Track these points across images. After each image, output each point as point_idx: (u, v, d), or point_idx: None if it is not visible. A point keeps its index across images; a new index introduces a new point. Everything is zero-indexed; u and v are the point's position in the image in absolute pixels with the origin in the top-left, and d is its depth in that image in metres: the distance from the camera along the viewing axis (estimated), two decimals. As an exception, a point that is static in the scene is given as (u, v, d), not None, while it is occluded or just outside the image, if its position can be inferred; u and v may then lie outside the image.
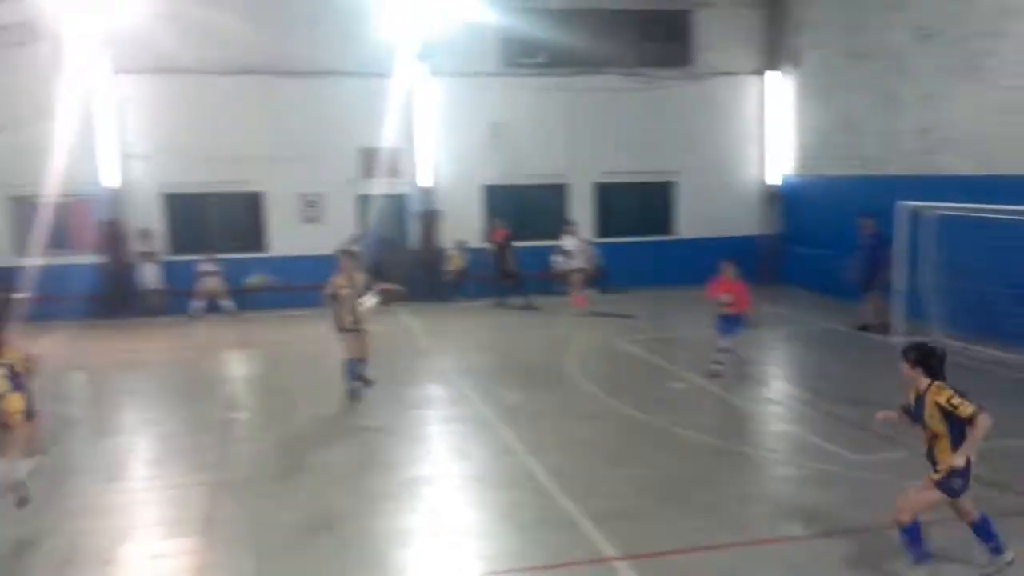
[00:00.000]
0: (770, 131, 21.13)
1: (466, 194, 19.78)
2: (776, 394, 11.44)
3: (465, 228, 19.57)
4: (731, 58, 20.89)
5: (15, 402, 7.23)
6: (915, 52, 16.10)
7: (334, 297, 10.81)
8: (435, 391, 11.75)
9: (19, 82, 16.89)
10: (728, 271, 11.58)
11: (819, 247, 19.17)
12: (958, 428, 5.88)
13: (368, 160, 19.16)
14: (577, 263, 17.88)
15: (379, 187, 19.06)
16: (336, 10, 18.15)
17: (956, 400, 5.86)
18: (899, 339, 13.90)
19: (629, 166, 20.50)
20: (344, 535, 7.06)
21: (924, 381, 6.06)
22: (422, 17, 18.46)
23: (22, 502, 7.23)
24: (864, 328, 15.03)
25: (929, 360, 6.07)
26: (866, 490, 7.85)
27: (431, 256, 19.45)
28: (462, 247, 19.32)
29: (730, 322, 11.53)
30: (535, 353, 12.95)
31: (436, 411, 10.81)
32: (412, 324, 16.48)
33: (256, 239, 19.02)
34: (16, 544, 6.99)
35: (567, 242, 18.46)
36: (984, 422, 5.78)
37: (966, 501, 6.07)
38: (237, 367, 13.83)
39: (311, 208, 19.08)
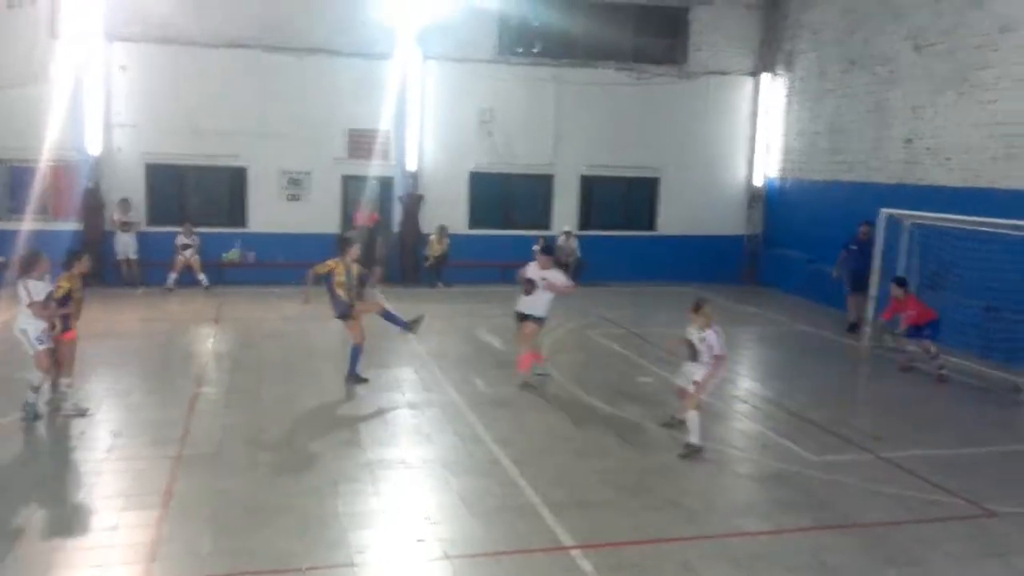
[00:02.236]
0: (760, 133, 21.19)
1: (452, 180, 19.75)
2: (743, 393, 11.52)
3: (449, 214, 19.54)
4: (726, 57, 20.92)
5: None
6: (908, 62, 16.18)
7: (324, 278, 10.76)
8: (407, 375, 11.74)
9: (9, 44, 16.67)
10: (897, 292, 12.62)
11: (800, 250, 19.30)
12: None
13: (355, 141, 19.09)
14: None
15: (365, 168, 19.01)
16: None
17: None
18: (865, 342, 14.09)
19: (617, 160, 20.52)
20: (305, 515, 7.05)
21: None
22: (419, 2, 18.41)
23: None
24: (852, 327, 15.27)
25: None
26: (825, 490, 7.93)
27: (413, 240, 19.41)
28: (444, 232, 19.30)
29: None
30: (509, 342, 12.93)
31: (406, 395, 10.81)
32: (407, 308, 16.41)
33: (237, 214, 18.93)
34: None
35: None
36: None
37: None
38: (208, 341, 13.78)
39: (294, 186, 19.00)
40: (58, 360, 9.37)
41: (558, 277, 11.17)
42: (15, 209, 17.66)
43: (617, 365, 12.77)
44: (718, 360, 8.73)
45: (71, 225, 17.59)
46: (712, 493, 7.90)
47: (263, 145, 18.50)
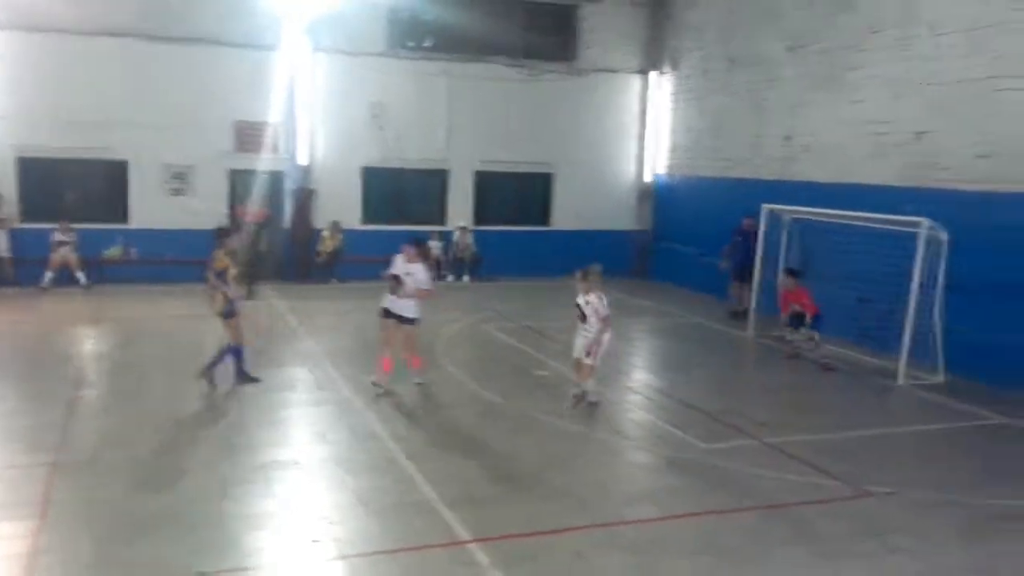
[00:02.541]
0: (649, 130, 21.69)
1: (345, 175, 19.47)
2: (636, 384, 11.80)
3: (342, 209, 19.26)
4: (615, 55, 21.32)
5: None
6: (784, 62, 16.86)
7: (219, 276, 10.29)
8: (300, 374, 11.52)
9: None
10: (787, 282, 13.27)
11: (687, 244, 19.87)
12: None
13: (243, 134, 18.57)
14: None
15: (254, 162, 18.53)
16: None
17: None
18: (751, 332, 14.66)
19: (509, 156, 20.66)
20: (194, 520, 6.84)
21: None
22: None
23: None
24: (736, 314, 15.88)
25: None
26: (714, 476, 8.21)
27: (305, 236, 19.05)
28: (337, 228, 19.01)
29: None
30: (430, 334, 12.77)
31: (299, 394, 10.61)
32: (280, 305, 16.11)
33: (117, 209, 18.13)
34: None
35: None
36: None
37: None
38: (87, 342, 13.18)
39: (178, 180, 18.33)
40: None
41: (421, 274, 10.55)
42: None
43: (512, 358, 12.87)
44: (604, 322, 9.99)
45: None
46: (605, 482, 8.06)
47: (144, 138, 17.79)
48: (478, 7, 20.02)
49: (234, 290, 10.47)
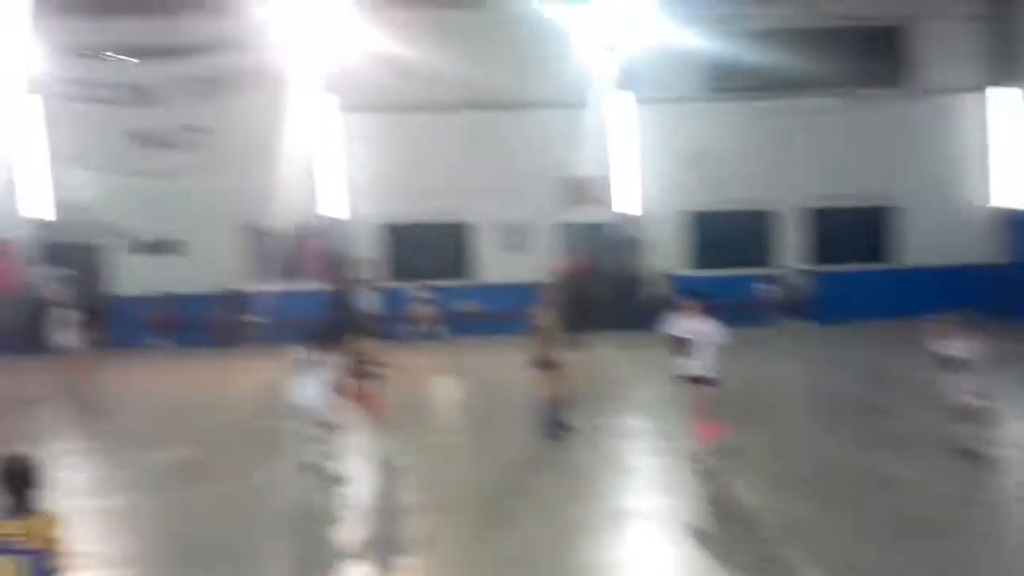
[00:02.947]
0: (996, 151, 19.40)
1: (669, 221, 19.61)
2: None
3: (668, 255, 19.38)
4: (949, 75, 19.52)
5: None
6: None
7: (533, 330, 10.55)
8: (635, 422, 11.59)
9: (251, 123, 18.57)
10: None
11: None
12: None
13: (568, 189, 19.45)
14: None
15: (579, 215, 19.31)
16: (539, 44, 18.68)
17: None
18: None
19: (841, 190, 19.58)
20: (545, 562, 7.09)
21: None
22: (624, 45, 18.64)
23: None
24: None
25: None
26: None
27: (630, 284, 19.38)
28: (662, 275, 19.12)
29: None
30: (759, 382, 12.35)
31: (637, 443, 10.67)
32: (609, 355, 16.41)
33: (465, 267, 19.77)
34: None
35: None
36: None
37: None
38: (445, 392, 14.32)
39: (515, 237, 19.59)
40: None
41: (709, 327, 9.29)
42: (266, 273, 19.48)
43: (856, 411, 11.92)
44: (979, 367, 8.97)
45: (318, 286, 19.14)
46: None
47: (483, 200, 19.27)
48: (797, 40, 19.34)
49: (553, 343, 10.55)
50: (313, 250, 19.56)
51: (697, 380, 9.28)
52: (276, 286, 19.00)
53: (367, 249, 19.46)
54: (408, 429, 11.70)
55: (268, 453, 10.34)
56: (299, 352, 9.57)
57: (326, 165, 19.21)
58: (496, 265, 19.51)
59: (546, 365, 10.53)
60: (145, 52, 18.79)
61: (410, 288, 18.75)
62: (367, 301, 18.91)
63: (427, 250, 19.92)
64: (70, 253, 19.21)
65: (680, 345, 9.31)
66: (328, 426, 9.51)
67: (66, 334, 13.58)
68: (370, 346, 9.93)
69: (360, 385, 9.61)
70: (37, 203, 19.06)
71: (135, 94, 18.35)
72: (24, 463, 4.17)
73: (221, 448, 11.12)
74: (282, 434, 10.40)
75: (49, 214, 19.17)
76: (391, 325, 18.74)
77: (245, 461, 10.34)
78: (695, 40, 18.84)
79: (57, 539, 4.05)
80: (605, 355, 16.34)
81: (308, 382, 9.41)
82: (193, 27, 18.27)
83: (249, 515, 8.62)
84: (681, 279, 19.11)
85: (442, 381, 15.04)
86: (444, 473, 9.72)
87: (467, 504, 8.64)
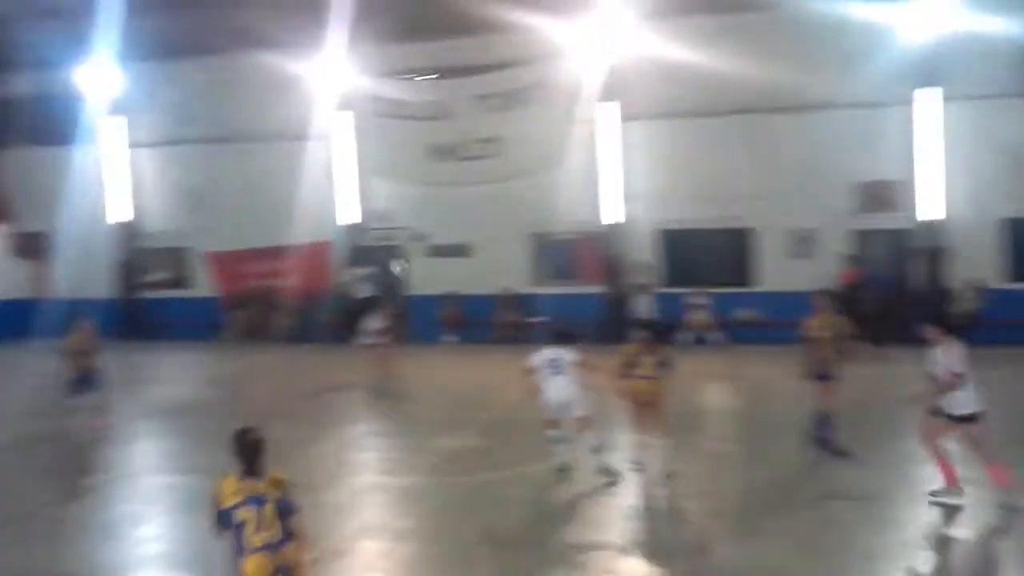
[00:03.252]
0: None
1: (979, 229, 17.67)
2: None
3: (978, 266, 17.48)
4: None
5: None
6: None
7: (807, 340, 10.12)
8: (910, 451, 10.40)
9: (538, 132, 19.32)
10: None
11: None
12: None
13: (864, 194, 18.21)
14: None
15: (876, 222, 18.01)
16: (830, 42, 17.61)
17: None
18: None
19: None
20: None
21: None
22: (929, 40, 17.12)
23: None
24: None
25: None
26: None
27: (937, 298, 17.69)
28: (975, 287, 17.28)
29: None
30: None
31: (898, 471, 9.60)
32: (905, 372, 15.03)
33: (744, 274, 19.17)
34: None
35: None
36: None
37: None
38: (719, 399, 13.98)
39: (802, 244, 18.68)
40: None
41: (951, 353, 8.18)
42: (549, 275, 20.23)
43: None
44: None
45: (595, 289, 19.52)
46: None
47: (768, 205, 18.56)
48: None
49: (831, 354, 9.98)
50: (592, 254, 19.95)
51: (964, 418, 8.10)
52: (556, 288, 19.59)
53: (645, 254, 19.47)
54: (681, 435, 11.59)
55: (539, 447, 10.66)
56: (556, 352, 9.63)
57: (606, 171, 19.49)
58: (779, 272, 18.68)
59: (821, 377, 10.07)
60: (443, 71, 20.22)
61: (687, 294, 18.54)
62: (643, 305, 19.05)
63: (705, 256, 19.54)
64: (374, 255, 21.13)
65: (950, 381, 8.08)
66: (586, 424, 9.61)
67: (371, 328, 14.97)
68: (660, 348, 9.78)
69: (634, 386, 9.51)
70: (347, 209, 21.10)
71: (434, 110, 19.82)
72: (255, 435, 5.12)
73: (501, 438, 11.67)
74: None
75: (357, 219, 21.13)
76: (666, 330, 18.73)
77: (520, 452, 10.75)
78: (1008, 31, 16.81)
79: (291, 489, 5.07)
80: (895, 371, 15.04)
81: (562, 382, 9.47)
82: (486, 46, 19.36)
83: (524, 504, 8.99)
84: (994, 292, 17.25)
85: (716, 388, 14.69)
86: (715, 480, 9.49)
87: (741, 513, 8.37)
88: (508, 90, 19.32)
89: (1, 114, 20.46)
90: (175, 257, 22.72)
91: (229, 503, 4.92)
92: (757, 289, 18.96)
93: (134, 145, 22.24)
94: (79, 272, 20.97)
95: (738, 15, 18.12)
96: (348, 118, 20.65)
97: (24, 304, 21.88)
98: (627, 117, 19.31)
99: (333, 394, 15.06)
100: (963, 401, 8.07)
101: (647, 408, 9.51)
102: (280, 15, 19.25)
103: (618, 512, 8.67)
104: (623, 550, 7.68)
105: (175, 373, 18.35)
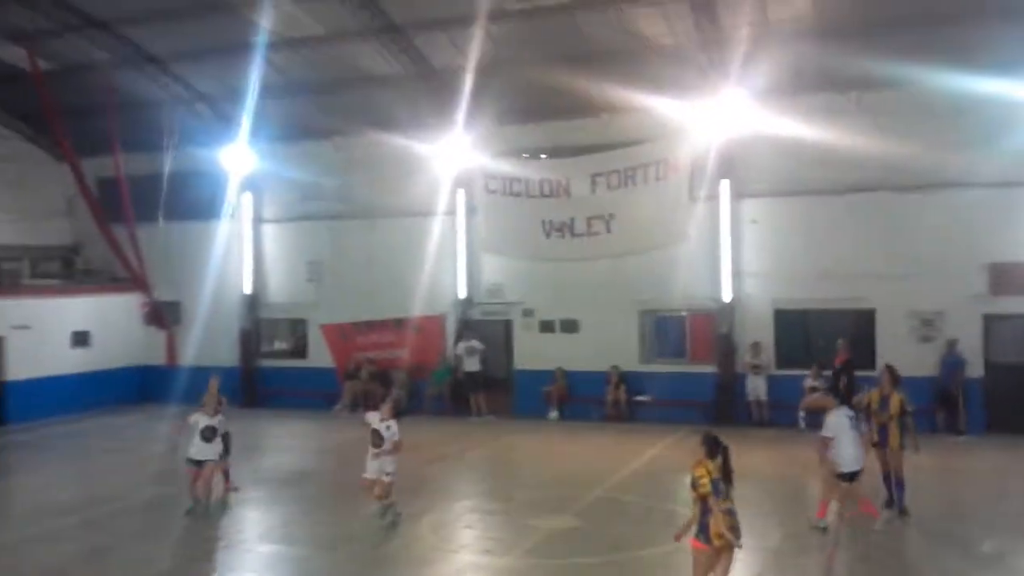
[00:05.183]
0: None
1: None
2: None
3: None
4: None
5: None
6: None
7: (865, 411, 11.11)
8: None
9: (651, 209, 19.26)
10: None
11: None
12: None
13: (998, 276, 17.23)
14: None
15: (1012, 305, 17.01)
16: (959, 120, 16.87)
17: None
18: None
19: None
20: None
21: None
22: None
23: None
24: None
25: None
26: None
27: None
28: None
29: None
30: None
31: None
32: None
33: (865, 356, 18.29)
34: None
35: None
36: None
37: None
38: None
39: (927, 327, 17.76)
40: None
41: None
42: (659, 353, 19.97)
43: None
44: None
45: (707, 368, 19.09)
46: None
47: (891, 286, 17.76)
48: None
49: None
50: (704, 332, 19.56)
51: None
52: (666, 366, 19.29)
53: (760, 333, 18.93)
54: (792, 518, 11.07)
55: (650, 530, 10.38)
56: None
57: (721, 249, 19.18)
58: (900, 356, 17.73)
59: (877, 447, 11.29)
60: (559, 150, 20.53)
61: (804, 375, 17.85)
62: (755, 386, 18.48)
63: (823, 336, 18.79)
64: (483, 328, 21.31)
65: None
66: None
67: (478, 401, 15.05)
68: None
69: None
70: (459, 283, 21.44)
71: (550, 187, 20.10)
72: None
73: (603, 520, 11.40)
74: (659, 514, 10.40)
75: (467, 293, 21.42)
76: (778, 412, 18.03)
77: (625, 535, 10.45)
78: None
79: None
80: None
81: None
82: (602, 126, 19.59)
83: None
84: None
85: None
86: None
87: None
88: (624, 168, 19.42)
89: (147, 190, 21.94)
90: (295, 328, 23.58)
91: None
92: (877, 372, 18.02)
93: (262, 220, 23.40)
94: (207, 341, 21.99)
95: (863, 92, 17.70)
96: (463, 195, 21.14)
97: (155, 371, 23.14)
98: (744, 194, 19.04)
99: (441, 464, 15.13)
100: None
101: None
102: (404, 98, 20.10)
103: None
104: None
105: (287, 441, 18.81)
